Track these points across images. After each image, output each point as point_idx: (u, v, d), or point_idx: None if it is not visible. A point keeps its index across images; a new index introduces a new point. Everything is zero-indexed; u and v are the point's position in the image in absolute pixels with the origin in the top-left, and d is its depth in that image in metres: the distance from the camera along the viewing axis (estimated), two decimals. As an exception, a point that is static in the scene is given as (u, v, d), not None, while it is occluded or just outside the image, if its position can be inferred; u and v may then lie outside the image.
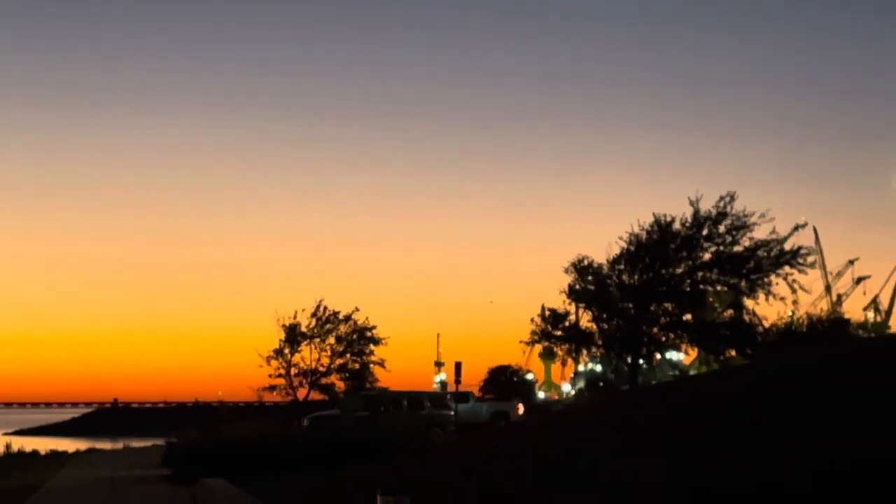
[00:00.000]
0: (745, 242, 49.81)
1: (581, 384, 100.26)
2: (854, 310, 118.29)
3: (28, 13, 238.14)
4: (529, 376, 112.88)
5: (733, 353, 50.58)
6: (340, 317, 68.28)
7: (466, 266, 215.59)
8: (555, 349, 58.70)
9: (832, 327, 52.58)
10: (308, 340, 68.02)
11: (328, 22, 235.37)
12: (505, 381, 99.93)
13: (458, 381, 68.05)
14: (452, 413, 56.22)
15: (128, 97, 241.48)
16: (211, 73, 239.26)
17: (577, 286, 52.83)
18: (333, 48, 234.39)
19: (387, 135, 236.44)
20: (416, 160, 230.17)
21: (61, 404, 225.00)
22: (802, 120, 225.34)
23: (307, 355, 68.20)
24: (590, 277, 52.52)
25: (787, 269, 49.20)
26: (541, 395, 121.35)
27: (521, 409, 67.11)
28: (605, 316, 52.51)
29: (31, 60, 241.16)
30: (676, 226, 50.34)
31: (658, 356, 56.04)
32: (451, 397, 64.48)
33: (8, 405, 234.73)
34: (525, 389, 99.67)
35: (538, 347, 68.56)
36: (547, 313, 54.61)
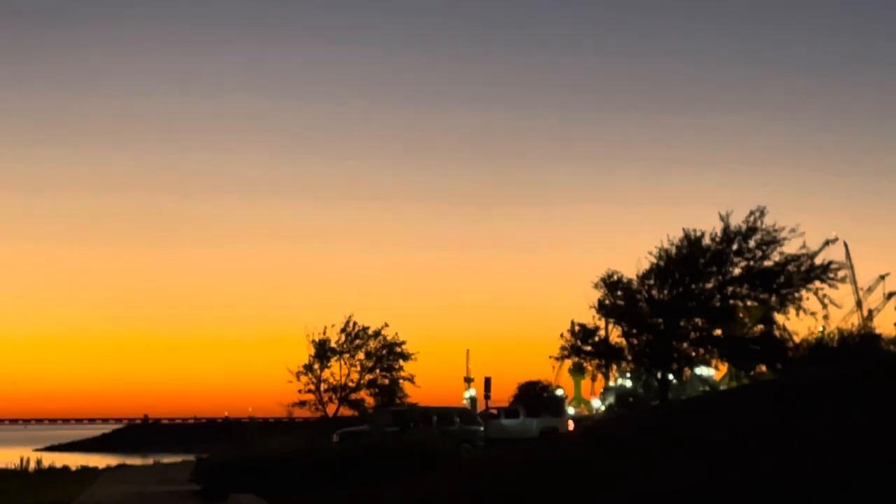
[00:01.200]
0: (776, 257, 49.67)
1: (611, 400, 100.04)
2: (885, 325, 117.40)
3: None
4: (559, 392, 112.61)
5: (763, 368, 50.40)
6: (370, 332, 68.48)
7: (495, 281, 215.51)
8: (584, 365, 58.61)
9: (863, 342, 52.21)
10: (338, 356, 68.25)
11: (359, 51, 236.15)
12: (534, 396, 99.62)
13: (487, 397, 67.99)
14: (482, 428, 56.15)
15: (157, 114, 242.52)
16: (238, 93, 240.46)
17: (607, 301, 52.74)
18: (365, 76, 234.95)
19: (414, 152, 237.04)
20: (443, 177, 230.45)
21: (91, 420, 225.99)
22: (834, 134, 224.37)
23: (337, 371, 68.47)
24: (619, 292, 52.40)
25: (817, 283, 49.01)
26: (571, 410, 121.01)
27: (571, 425, 66.82)
28: (634, 331, 52.38)
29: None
30: (706, 241, 50.24)
31: (688, 371, 55.79)
32: (500, 412, 64.46)
33: (39, 421, 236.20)
34: (555, 405, 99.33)
35: (568, 363, 68.55)
36: (576, 328, 54.54)
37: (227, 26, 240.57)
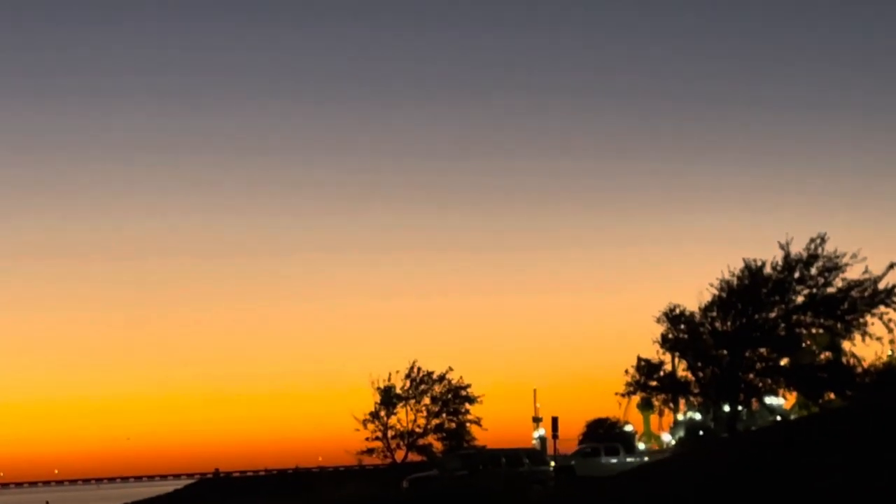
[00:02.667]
0: (838, 283, 49.38)
1: (681, 433, 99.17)
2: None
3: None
4: (629, 428, 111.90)
5: (832, 395, 49.97)
6: (434, 377, 68.65)
7: (559, 320, 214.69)
8: (652, 399, 58.39)
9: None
10: (403, 402, 68.41)
11: (408, 94, 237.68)
12: (603, 433, 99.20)
13: (555, 437, 67.80)
14: (551, 468, 56.04)
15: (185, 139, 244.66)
16: (290, 118, 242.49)
17: (670, 335, 52.62)
18: (407, 130, 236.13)
19: (478, 190, 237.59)
20: (502, 222, 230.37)
21: (163, 476, 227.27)
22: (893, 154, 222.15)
23: (403, 417, 68.64)
24: (682, 326, 52.26)
25: (882, 308, 48.61)
26: (641, 446, 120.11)
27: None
28: (699, 364, 52.18)
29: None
30: (767, 270, 50.07)
31: (756, 402, 55.40)
32: (601, 450, 63.99)
33: (111, 480, 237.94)
34: (625, 442, 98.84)
35: (636, 398, 68.15)
36: (641, 364, 54.40)
37: (242, 86, 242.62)
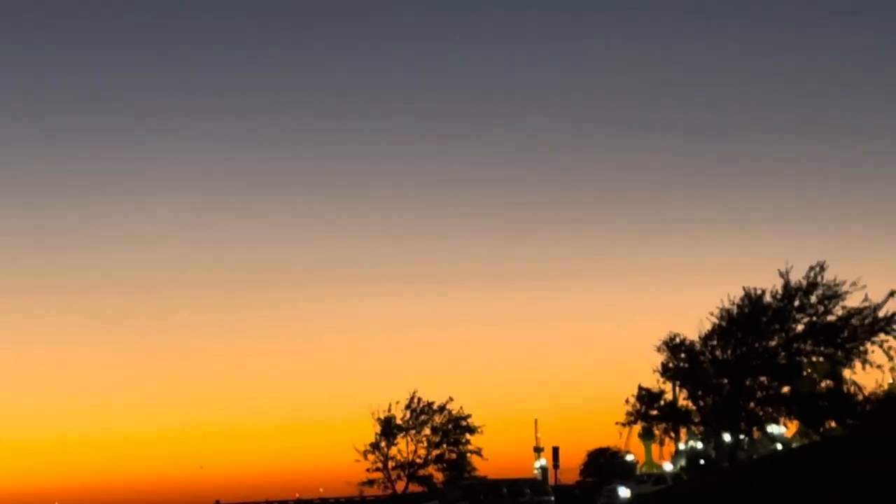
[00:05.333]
0: (838, 311, 49.25)
1: (682, 463, 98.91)
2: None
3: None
4: (630, 457, 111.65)
5: (833, 424, 49.83)
6: (435, 407, 68.49)
7: (559, 350, 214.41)
8: (653, 429, 58.28)
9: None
10: (404, 433, 68.23)
11: (418, 128, 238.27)
12: (604, 463, 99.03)
13: (556, 467, 67.57)
14: (553, 498, 55.84)
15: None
16: (299, 153, 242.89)
17: (671, 364, 52.56)
18: (406, 165, 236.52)
19: (477, 221, 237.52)
20: (501, 252, 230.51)
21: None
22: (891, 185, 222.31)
23: (404, 447, 68.45)
24: (683, 355, 52.20)
25: (882, 336, 48.48)
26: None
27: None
28: (700, 393, 52.09)
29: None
30: (767, 298, 50.01)
31: (757, 431, 55.27)
32: (648, 478, 63.73)
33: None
34: (626, 471, 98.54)
35: (637, 428, 68.01)
36: (642, 393, 54.35)
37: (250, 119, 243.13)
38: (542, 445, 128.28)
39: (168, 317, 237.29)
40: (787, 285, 49.76)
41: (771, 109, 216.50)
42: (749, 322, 50.10)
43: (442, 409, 68.38)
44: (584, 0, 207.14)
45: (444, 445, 68.29)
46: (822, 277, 49.31)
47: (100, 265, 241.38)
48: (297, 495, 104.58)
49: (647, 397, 54.27)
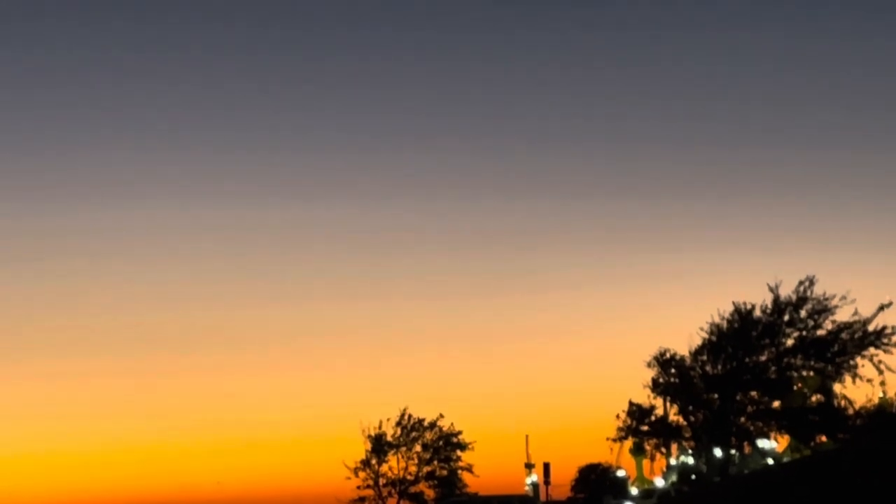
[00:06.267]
0: (828, 326, 49.31)
1: (674, 478, 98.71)
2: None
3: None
4: (621, 473, 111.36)
5: (824, 438, 49.80)
6: (425, 424, 68.19)
7: (549, 366, 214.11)
8: (644, 444, 58.18)
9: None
10: (394, 449, 67.92)
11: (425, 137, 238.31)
12: (596, 479, 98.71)
13: (547, 483, 67.57)
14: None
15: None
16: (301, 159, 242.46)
17: (661, 379, 52.50)
18: (406, 175, 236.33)
19: (466, 236, 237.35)
20: (491, 267, 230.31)
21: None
22: (884, 195, 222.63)
23: (394, 464, 68.09)
24: (673, 370, 52.15)
25: (872, 350, 48.49)
26: (634, 491, 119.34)
27: None
28: (691, 408, 52.04)
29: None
30: (757, 313, 50.00)
31: (748, 445, 55.19)
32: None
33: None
34: (617, 487, 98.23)
35: (628, 443, 67.87)
36: (633, 408, 54.25)
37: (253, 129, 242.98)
38: (533, 461, 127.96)
39: (150, 335, 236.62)
40: (776, 300, 49.78)
41: (761, 122, 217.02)
42: (739, 337, 50.11)
43: (433, 425, 68.09)
44: (581, 25, 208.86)
45: (435, 462, 67.96)
46: (812, 292, 49.44)
47: (107, 279, 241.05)
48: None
49: (637, 413, 54.21)
